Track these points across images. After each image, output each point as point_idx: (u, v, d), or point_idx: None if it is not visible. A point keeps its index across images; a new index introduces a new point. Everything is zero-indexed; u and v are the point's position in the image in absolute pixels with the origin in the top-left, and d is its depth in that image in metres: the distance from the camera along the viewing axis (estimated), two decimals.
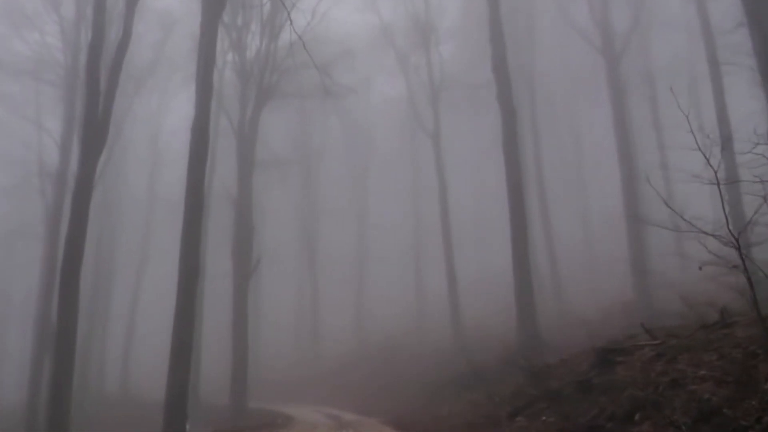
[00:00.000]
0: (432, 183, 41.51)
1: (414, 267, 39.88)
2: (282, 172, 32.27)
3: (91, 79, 14.80)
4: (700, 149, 6.74)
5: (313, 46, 25.70)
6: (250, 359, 40.69)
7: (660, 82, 30.80)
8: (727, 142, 19.35)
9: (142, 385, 34.46)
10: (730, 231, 5.89)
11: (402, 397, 20.30)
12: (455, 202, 33.56)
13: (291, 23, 14.65)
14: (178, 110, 38.43)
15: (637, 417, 5.45)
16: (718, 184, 6.45)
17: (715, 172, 6.53)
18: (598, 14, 25.72)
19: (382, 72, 41.11)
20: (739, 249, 5.74)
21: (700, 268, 6.60)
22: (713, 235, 6.25)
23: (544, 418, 7.26)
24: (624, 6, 26.32)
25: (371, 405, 20.58)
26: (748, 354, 5.52)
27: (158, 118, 40.18)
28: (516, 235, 18.27)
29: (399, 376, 24.01)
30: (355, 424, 15.78)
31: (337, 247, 45.01)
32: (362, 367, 29.06)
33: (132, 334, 35.34)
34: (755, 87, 14.51)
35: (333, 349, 38.37)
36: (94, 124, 14.69)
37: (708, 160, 6.75)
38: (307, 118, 39.07)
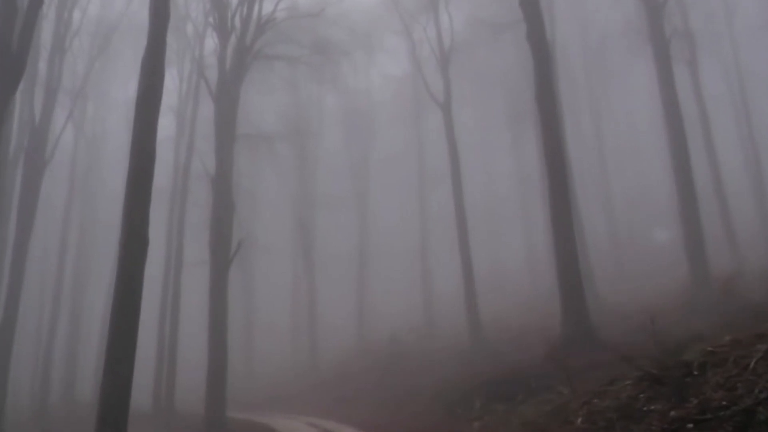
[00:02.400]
0: (439, 167, 38.06)
1: (420, 260, 36.11)
2: (272, 151, 28.62)
3: None
4: None
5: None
6: (236, 362, 37.03)
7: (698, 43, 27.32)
8: None
9: None
10: None
11: (413, 408, 16.59)
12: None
13: None
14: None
15: None
16: None
17: None
18: None
19: (384, 49, 37.66)
20: None
21: None
22: None
23: None
24: None
25: (377, 417, 16.86)
26: None
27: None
28: (557, 206, 14.62)
29: (409, 381, 20.30)
30: None
31: (335, 239, 41.40)
32: (365, 370, 25.36)
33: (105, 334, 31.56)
34: None
35: (332, 350, 34.62)
36: (6, 50, 11.05)
37: None
38: (301, 93, 35.46)
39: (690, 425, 4.38)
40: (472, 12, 27.01)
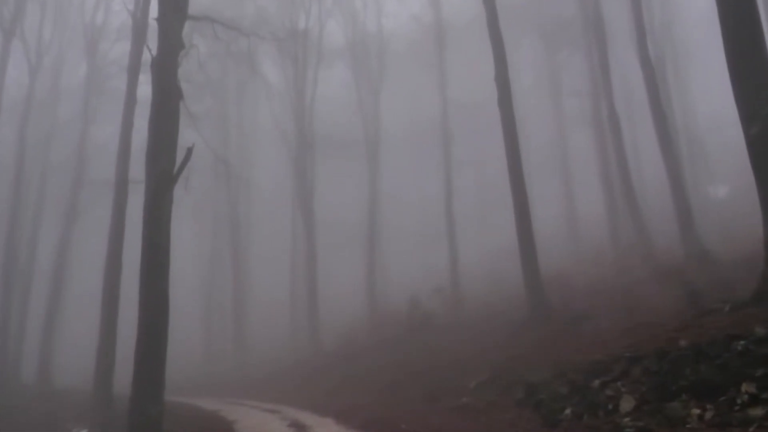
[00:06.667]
0: (466, 103, 31.32)
1: (444, 215, 29.06)
2: (255, 67, 22.02)
3: None
4: None
5: None
6: (226, 340, 30.84)
7: None
8: None
9: (65, 373, 24.77)
10: None
11: (456, 400, 10.25)
12: None
13: None
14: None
15: None
16: None
17: None
18: None
19: None
20: None
21: None
22: None
23: None
24: None
25: (399, 413, 10.52)
26: None
27: (95, 21, 29.73)
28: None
29: (442, 359, 13.93)
30: None
31: (341, 193, 35.05)
32: (379, 345, 19.03)
33: (54, 315, 25.06)
34: None
35: (339, 322, 28.00)
36: None
37: None
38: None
39: None
40: None
